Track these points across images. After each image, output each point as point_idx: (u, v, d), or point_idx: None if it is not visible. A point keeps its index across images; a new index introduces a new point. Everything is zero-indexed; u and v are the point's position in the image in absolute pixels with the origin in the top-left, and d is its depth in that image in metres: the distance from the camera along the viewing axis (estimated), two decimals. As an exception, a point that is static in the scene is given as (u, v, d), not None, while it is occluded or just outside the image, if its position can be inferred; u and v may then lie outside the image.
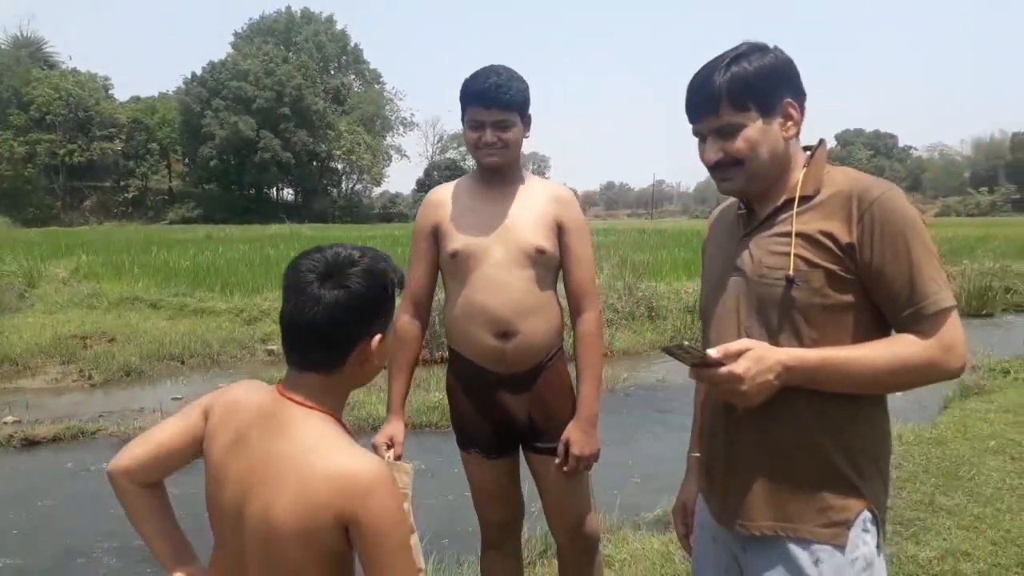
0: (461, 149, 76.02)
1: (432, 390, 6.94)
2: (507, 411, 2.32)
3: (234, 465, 1.33)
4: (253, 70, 54.55)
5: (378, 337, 1.35)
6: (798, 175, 1.51)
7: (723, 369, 1.37)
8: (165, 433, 1.44)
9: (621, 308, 10.68)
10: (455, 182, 2.45)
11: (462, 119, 2.32)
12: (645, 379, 8.12)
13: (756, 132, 1.47)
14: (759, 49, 1.50)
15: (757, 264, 1.50)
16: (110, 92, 58.81)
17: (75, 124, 52.47)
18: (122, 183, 56.83)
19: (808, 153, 1.55)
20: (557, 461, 2.30)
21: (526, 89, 2.28)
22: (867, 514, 1.45)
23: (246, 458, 1.32)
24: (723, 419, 1.55)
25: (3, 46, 56.10)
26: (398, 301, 1.49)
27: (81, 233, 33.45)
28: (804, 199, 1.48)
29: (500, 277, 2.25)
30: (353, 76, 66.41)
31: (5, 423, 6.27)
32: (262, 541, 1.28)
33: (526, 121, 2.31)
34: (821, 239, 1.42)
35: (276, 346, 9.52)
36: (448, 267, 2.35)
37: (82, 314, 11.42)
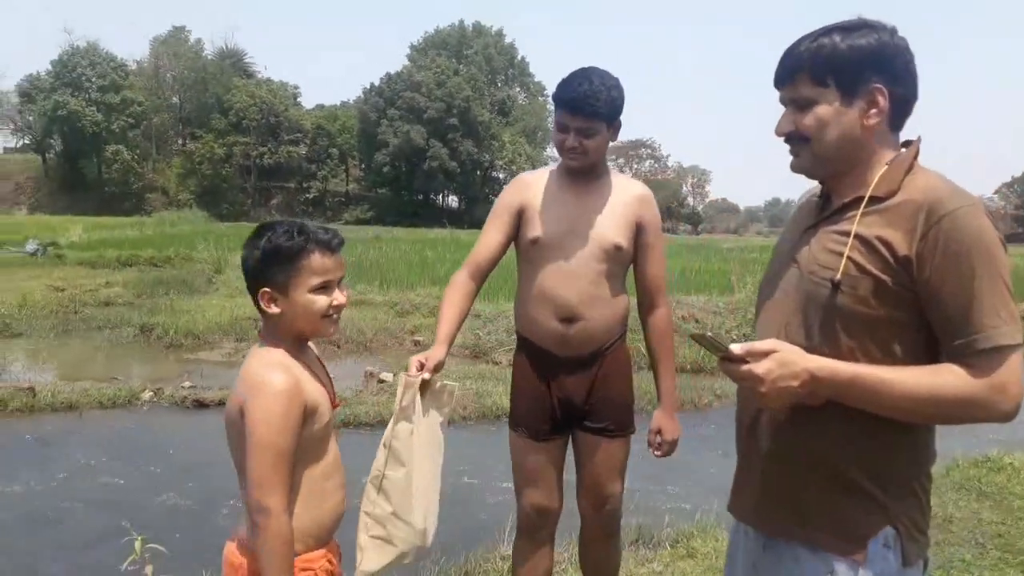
0: (619, 161, 75.75)
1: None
2: (566, 392, 2.42)
3: None
4: (426, 82, 57.21)
5: (263, 290, 1.65)
6: (879, 171, 1.39)
7: (744, 367, 1.32)
8: None
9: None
10: (547, 170, 2.50)
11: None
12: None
13: (829, 111, 1.39)
14: (866, 26, 1.38)
15: (811, 259, 1.43)
16: (298, 100, 63.67)
17: (267, 129, 57.27)
18: (304, 184, 61.23)
19: (902, 151, 1.42)
20: (652, 449, 2.50)
21: (618, 98, 2.30)
22: (890, 531, 1.37)
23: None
24: (751, 415, 1.52)
25: (210, 57, 62.21)
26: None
27: (265, 229, 36.46)
28: (874, 200, 1.37)
29: (573, 269, 2.34)
30: (518, 88, 68.02)
31: (183, 387, 7.14)
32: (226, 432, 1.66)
33: (614, 127, 2.35)
34: (878, 245, 1.33)
35: (423, 337, 10.12)
36: (526, 251, 2.43)
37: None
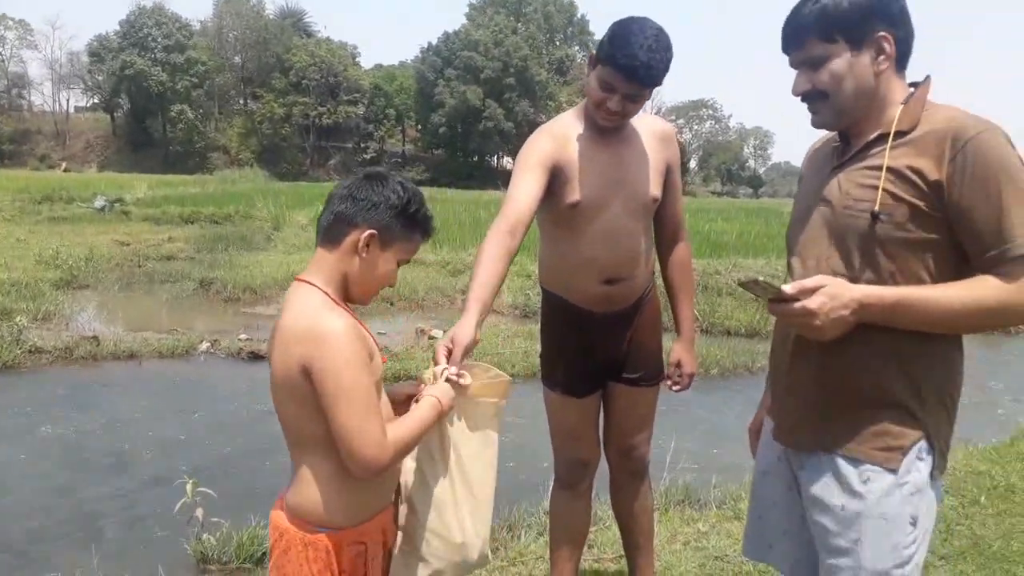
0: (679, 122, 74.15)
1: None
2: (606, 348, 2.37)
3: (269, 353, 1.57)
4: (483, 41, 56.73)
5: (368, 232, 1.53)
6: (895, 111, 1.48)
7: (797, 305, 1.39)
8: None
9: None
10: (568, 118, 2.29)
11: (593, 64, 2.15)
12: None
13: (842, 65, 1.46)
14: None
15: (844, 195, 1.51)
16: (357, 60, 63.81)
17: (325, 89, 57.63)
18: (362, 145, 61.69)
19: (911, 89, 1.52)
20: (669, 383, 2.47)
21: (671, 59, 2.09)
22: (923, 443, 1.47)
23: (270, 345, 1.56)
24: (788, 339, 1.59)
25: (272, 17, 62.73)
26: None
27: (323, 187, 36.93)
28: (899, 134, 1.46)
29: (615, 230, 2.24)
30: (577, 47, 66.88)
31: (239, 339, 7.30)
32: (276, 403, 1.54)
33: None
34: (909, 175, 1.42)
35: (473, 297, 10.15)
36: (562, 215, 2.25)
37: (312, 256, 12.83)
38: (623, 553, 3.04)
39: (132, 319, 8.59)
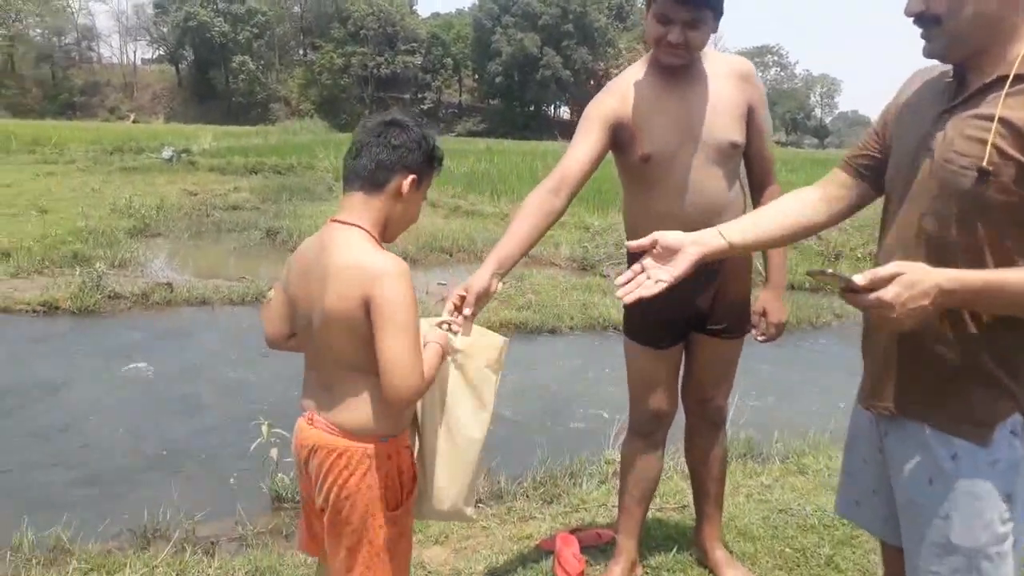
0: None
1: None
2: (692, 301, 2.30)
3: (303, 291, 1.70)
4: (542, -14, 55.60)
5: (411, 177, 1.67)
6: (1022, 47, 1.29)
7: (872, 296, 1.27)
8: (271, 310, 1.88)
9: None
10: (632, 71, 2.24)
11: (648, 4, 2.10)
12: None
13: None
14: None
15: (947, 146, 1.34)
16: (414, 8, 63.40)
17: (383, 38, 57.54)
18: (419, 95, 61.62)
19: None
20: (754, 332, 2.42)
21: None
22: (1018, 418, 1.37)
23: (308, 279, 1.68)
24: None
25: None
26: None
27: (381, 139, 37.17)
28: (1020, 78, 1.27)
29: (693, 181, 2.17)
30: (638, -8, 65.04)
31: (305, 287, 7.49)
32: (324, 334, 1.65)
33: (718, 16, 2.09)
34: (1022, 129, 1.25)
35: (532, 250, 10.16)
36: (636, 168, 2.22)
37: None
38: (685, 503, 3.07)
39: (203, 267, 8.86)
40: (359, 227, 1.66)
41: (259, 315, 2.00)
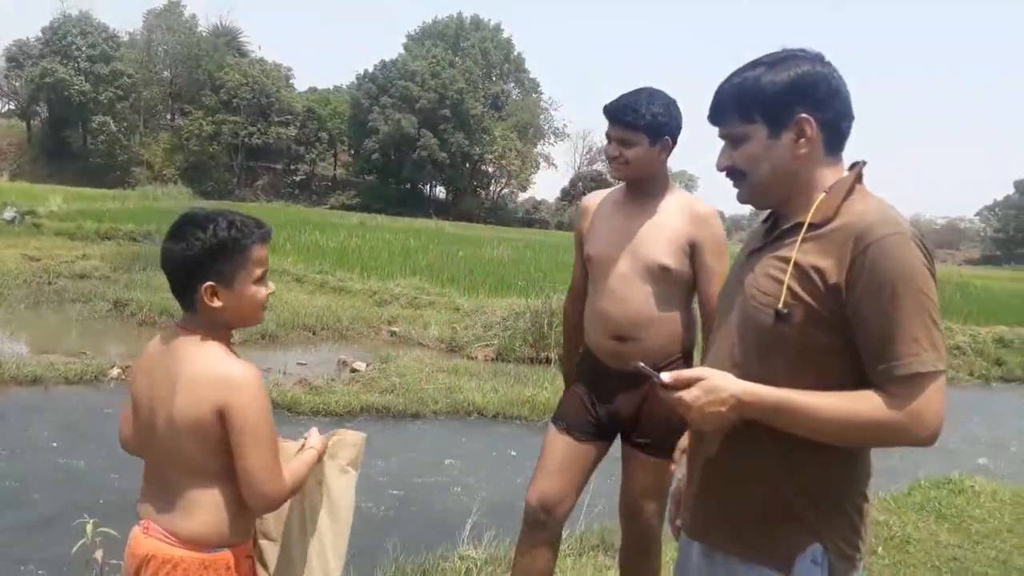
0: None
1: (529, 385, 7.18)
2: (614, 403, 2.43)
3: (146, 393, 1.65)
4: (420, 71, 56.89)
5: (207, 284, 1.58)
6: (819, 197, 1.40)
7: (674, 395, 1.36)
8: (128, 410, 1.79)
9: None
10: (609, 190, 2.59)
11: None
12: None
13: (758, 146, 1.41)
14: (789, 57, 1.41)
15: (753, 283, 1.44)
16: (291, 82, 63.04)
17: (257, 109, 56.66)
18: (292, 167, 60.68)
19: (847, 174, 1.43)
20: (673, 467, 2.41)
21: (663, 114, 2.31)
22: (818, 548, 1.39)
23: (152, 384, 1.64)
24: (699, 436, 1.55)
25: (204, 34, 61.48)
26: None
27: (249, 208, 36.08)
28: (812, 226, 1.38)
29: (622, 288, 2.38)
30: (513, 84, 67.77)
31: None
32: (169, 440, 1.60)
33: (660, 143, 2.34)
34: (812, 274, 1.34)
35: (399, 328, 10.06)
36: (587, 267, 2.54)
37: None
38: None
39: (39, 340, 8.19)
40: (202, 334, 1.63)
41: (97, 395, 1.89)
